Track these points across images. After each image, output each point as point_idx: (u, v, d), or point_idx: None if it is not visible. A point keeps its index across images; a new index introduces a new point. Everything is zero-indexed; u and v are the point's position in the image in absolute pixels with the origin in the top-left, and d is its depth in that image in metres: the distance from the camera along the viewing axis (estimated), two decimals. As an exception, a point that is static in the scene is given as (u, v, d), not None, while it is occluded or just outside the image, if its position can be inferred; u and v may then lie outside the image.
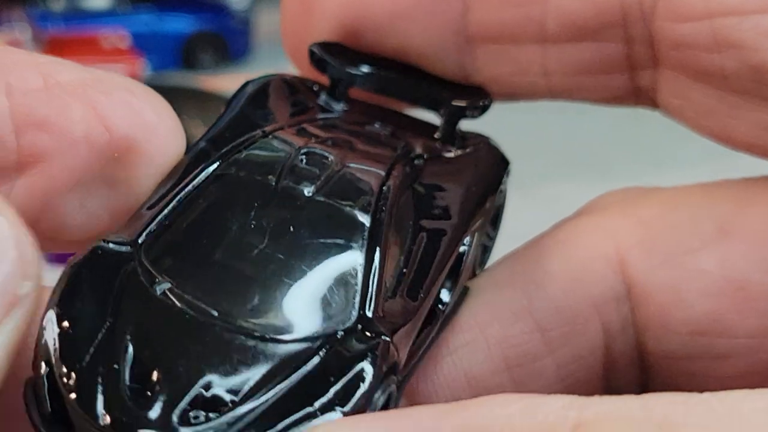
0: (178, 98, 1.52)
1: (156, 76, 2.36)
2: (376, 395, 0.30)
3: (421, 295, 0.33)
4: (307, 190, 0.33)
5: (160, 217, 0.33)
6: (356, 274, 0.32)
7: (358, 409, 0.29)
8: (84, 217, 0.35)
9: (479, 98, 0.38)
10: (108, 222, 0.35)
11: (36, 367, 0.31)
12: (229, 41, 2.65)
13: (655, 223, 0.37)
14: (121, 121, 0.35)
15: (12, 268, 0.31)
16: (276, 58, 0.57)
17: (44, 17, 2.45)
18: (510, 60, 0.37)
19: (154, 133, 0.35)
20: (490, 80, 0.38)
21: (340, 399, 0.29)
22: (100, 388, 0.29)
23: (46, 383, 0.30)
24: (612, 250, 0.37)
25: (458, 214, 0.35)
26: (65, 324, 0.31)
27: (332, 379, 0.30)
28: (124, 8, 2.60)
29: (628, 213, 0.38)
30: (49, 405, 0.30)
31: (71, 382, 0.30)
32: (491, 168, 0.38)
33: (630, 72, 0.37)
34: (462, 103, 0.38)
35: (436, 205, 0.35)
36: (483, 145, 0.38)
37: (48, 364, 0.30)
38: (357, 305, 0.31)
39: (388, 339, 0.31)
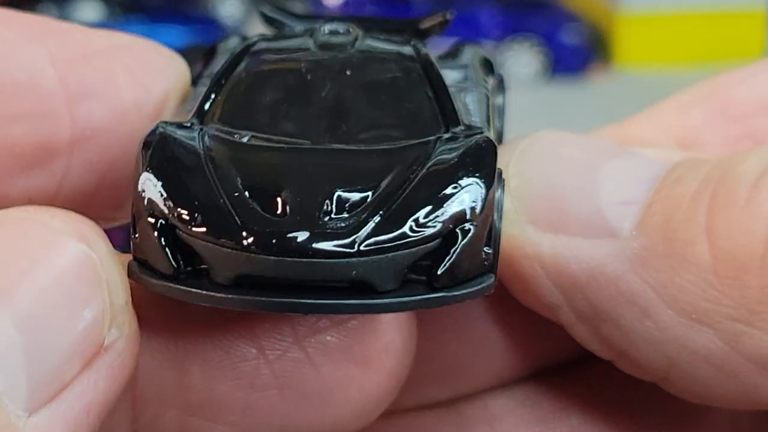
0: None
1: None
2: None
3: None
4: (346, 46, 0.35)
5: (207, 102, 0.34)
6: (431, 98, 0.34)
7: (492, 188, 0.31)
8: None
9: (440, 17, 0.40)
10: None
11: (144, 234, 0.30)
12: (221, 54, 2.66)
13: None
14: (158, 82, 0.34)
15: (97, 314, 0.28)
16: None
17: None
18: None
19: (179, 82, 0.35)
20: None
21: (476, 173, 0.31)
22: (233, 217, 0.29)
23: (162, 238, 0.30)
24: None
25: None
26: (167, 177, 0.30)
27: (460, 160, 0.31)
28: (116, 20, 2.61)
29: None
30: (171, 261, 0.30)
31: (198, 219, 0.29)
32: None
33: None
34: (426, 24, 0.40)
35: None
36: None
37: (161, 216, 0.30)
38: (443, 123, 0.33)
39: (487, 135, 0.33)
